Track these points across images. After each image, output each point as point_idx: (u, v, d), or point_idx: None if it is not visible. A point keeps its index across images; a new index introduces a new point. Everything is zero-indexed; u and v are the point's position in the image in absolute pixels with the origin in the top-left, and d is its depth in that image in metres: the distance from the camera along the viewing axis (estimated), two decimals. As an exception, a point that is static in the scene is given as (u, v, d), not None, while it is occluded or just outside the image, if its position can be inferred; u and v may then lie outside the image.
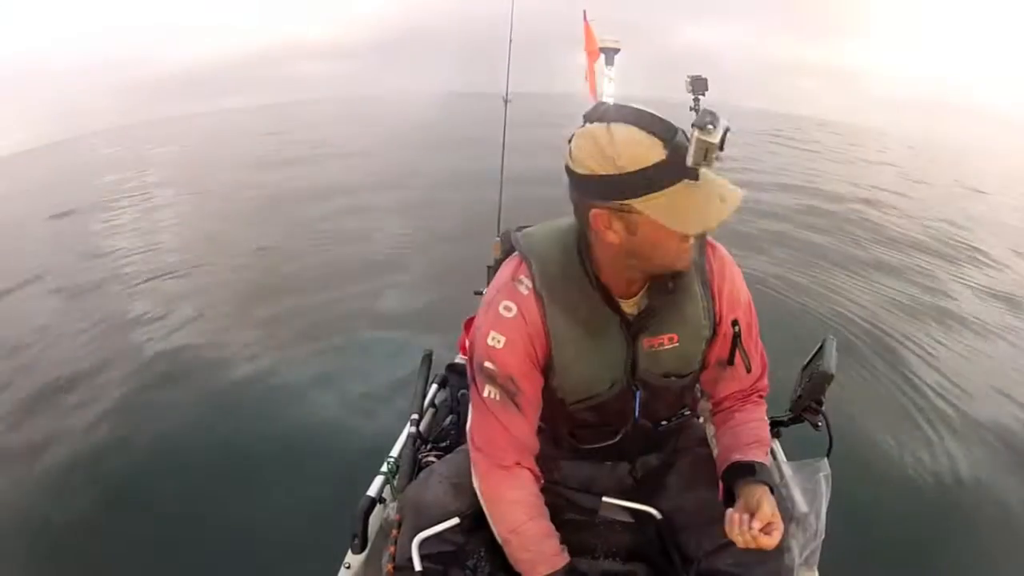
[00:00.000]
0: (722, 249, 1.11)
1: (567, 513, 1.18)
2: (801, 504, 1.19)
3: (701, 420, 1.35)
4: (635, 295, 1.03)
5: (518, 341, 1.00)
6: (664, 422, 1.15)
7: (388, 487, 1.48)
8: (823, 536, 1.11)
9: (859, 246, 5.62)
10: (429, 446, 1.55)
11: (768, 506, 0.93)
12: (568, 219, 1.01)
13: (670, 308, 1.03)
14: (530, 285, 1.00)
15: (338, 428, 2.85)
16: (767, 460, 1.07)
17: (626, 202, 0.84)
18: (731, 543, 1.02)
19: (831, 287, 4.45)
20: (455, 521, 1.06)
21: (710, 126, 0.76)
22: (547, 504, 1.07)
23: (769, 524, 0.90)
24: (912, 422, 2.78)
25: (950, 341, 3.59)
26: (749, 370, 1.12)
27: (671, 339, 1.04)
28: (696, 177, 0.82)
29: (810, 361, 1.39)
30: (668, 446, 1.25)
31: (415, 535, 1.05)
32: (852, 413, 2.49)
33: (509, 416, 1.02)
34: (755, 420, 1.13)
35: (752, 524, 0.90)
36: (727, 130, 0.78)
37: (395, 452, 1.56)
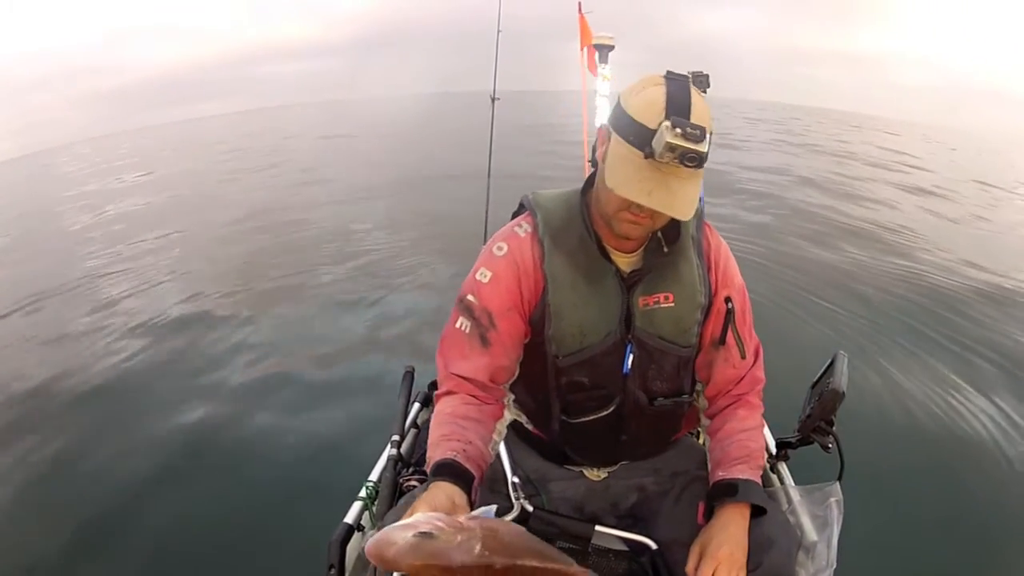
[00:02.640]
0: (718, 233, 1.20)
1: (558, 541, 1.17)
2: (811, 532, 1.18)
3: (701, 441, 1.35)
4: (630, 251, 1.12)
5: (503, 278, 1.10)
6: (661, 398, 1.17)
7: (367, 514, 1.45)
8: (835, 566, 1.10)
9: (873, 258, 5.62)
10: (411, 469, 1.53)
11: (710, 559, 0.98)
12: (576, 187, 1.17)
13: (666, 268, 1.12)
14: (529, 229, 1.13)
15: (313, 450, 2.81)
16: (756, 475, 1.08)
17: (611, 129, 0.99)
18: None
19: (840, 300, 4.46)
20: None
21: (678, 130, 0.88)
22: (537, 532, 1.05)
23: None
24: (931, 444, 2.77)
25: (973, 357, 3.59)
26: (744, 356, 1.17)
27: (667, 297, 1.12)
28: (649, 157, 0.91)
29: (819, 378, 1.38)
30: (667, 465, 1.25)
31: (395, 566, 1.03)
32: (865, 434, 2.48)
33: (471, 349, 1.10)
34: (747, 430, 1.15)
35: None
36: (695, 154, 0.88)
37: (374, 476, 1.54)
